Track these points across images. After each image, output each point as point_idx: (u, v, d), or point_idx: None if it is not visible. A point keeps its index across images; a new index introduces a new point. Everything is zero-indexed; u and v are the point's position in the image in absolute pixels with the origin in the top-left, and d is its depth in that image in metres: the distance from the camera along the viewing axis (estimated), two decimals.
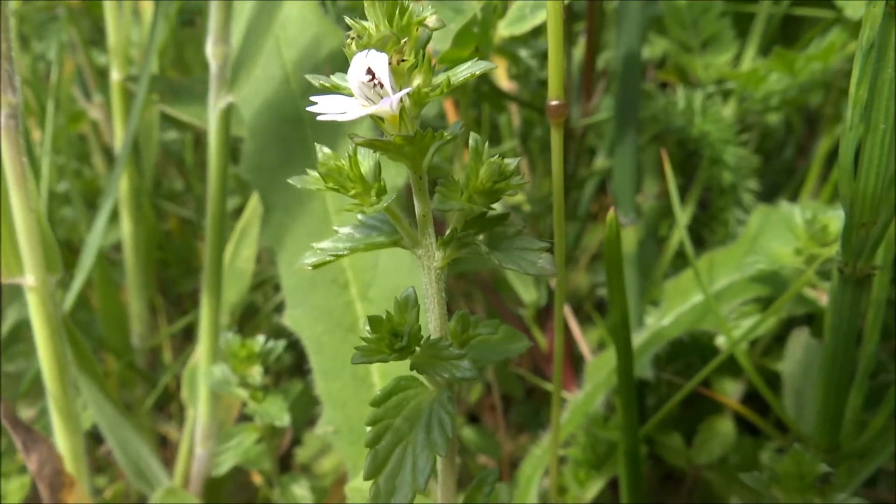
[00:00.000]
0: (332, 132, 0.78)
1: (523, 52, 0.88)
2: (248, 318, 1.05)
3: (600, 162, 1.01)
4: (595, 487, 0.74)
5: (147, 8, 1.05)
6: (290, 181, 0.42)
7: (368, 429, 0.44)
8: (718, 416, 0.82)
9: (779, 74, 0.82)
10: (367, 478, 0.43)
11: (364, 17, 0.40)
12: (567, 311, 0.97)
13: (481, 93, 0.87)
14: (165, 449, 1.07)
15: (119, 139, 0.90)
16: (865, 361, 0.58)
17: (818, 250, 0.64)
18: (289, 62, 0.80)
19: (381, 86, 0.38)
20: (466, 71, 0.40)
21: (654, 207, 0.98)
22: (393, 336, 0.41)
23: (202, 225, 1.08)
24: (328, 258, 0.43)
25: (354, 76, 0.39)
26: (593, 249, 1.07)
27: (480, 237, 0.43)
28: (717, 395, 0.81)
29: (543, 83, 0.95)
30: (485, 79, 0.87)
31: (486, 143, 0.42)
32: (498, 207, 0.44)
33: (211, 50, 0.70)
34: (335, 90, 0.41)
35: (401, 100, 0.39)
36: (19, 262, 0.64)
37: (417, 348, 0.43)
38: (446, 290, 0.45)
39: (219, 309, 0.79)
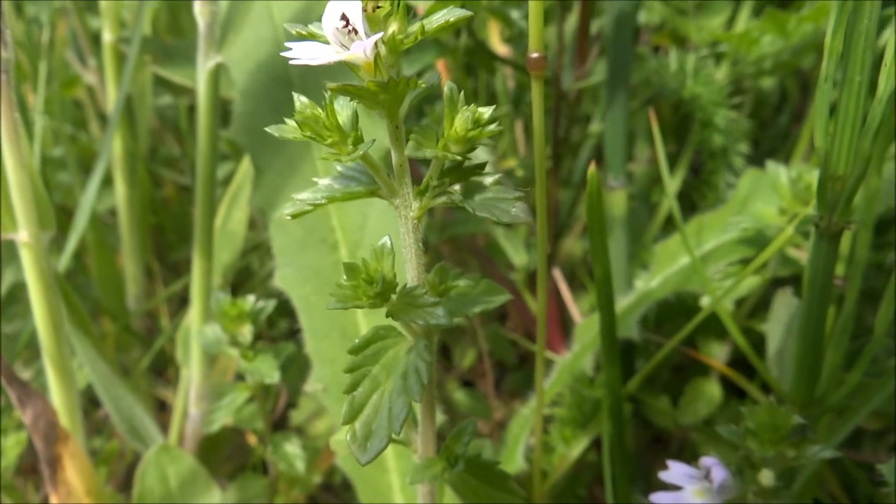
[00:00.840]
0: (322, 94, 0.78)
1: (515, 14, 0.88)
2: (243, 283, 1.06)
3: (594, 127, 1.01)
4: (580, 445, 0.75)
5: None
6: (267, 130, 0.42)
7: (347, 376, 0.45)
8: (705, 378, 0.83)
9: (772, 37, 0.82)
10: (344, 422, 0.44)
11: None
12: (559, 275, 0.98)
13: (474, 54, 0.87)
14: (164, 413, 1.09)
15: (112, 100, 0.90)
16: (844, 319, 0.59)
17: (802, 209, 0.64)
18: (280, 24, 0.80)
19: (356, 32, 0.39)
20: (442, 18, 0.40)
21: (645, 172, 0.98)
22: (368, 283, 0.42)
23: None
24: (306, 207, 0.44)
25: (329, 22, 0.39)
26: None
27: (457, 187, 0.44)
28: (703, 357, 0.82)
29: None
30: (480, 44, 0.87)
31: (462, 93, 0.43)
32: (490, 170, 0.45)
33: (199, 7, 0.70)
34: (311, 38, 0.41)
35: (375, 46, 0.39)
36: (12, 218, 0.64)
37: (393, 296, 0.44)
38: (440, 257, 0.45)
39: (210, 270, 0.80)
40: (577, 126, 1.05)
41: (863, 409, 0.61)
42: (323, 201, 0.44)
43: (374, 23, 0.40)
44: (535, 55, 0.49)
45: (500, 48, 1.06)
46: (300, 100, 0.43)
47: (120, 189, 0.96)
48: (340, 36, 0.39)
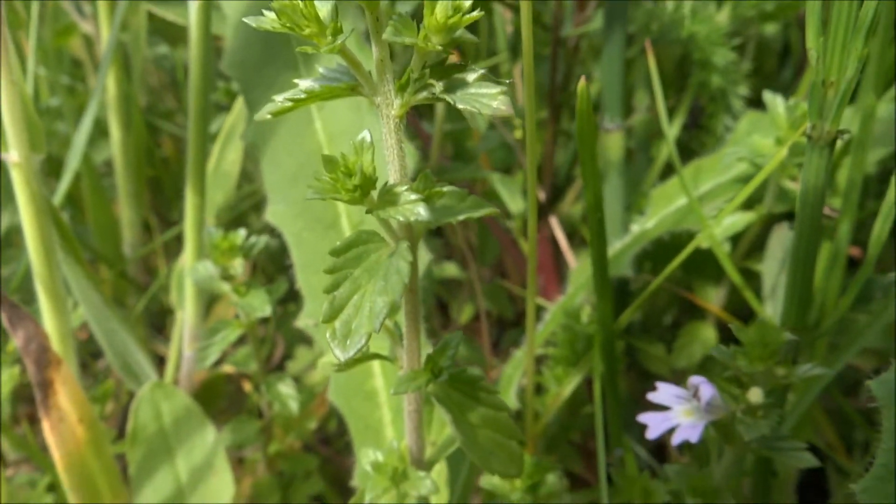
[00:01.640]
0: None
1: None
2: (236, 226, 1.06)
3: (594, 80, 1.00)
4: (572, 384, 0.75)
5: None
6: (246, 20, 0.41)
7: (328, 277, 0.44)
8: (700, 321, 0.83)
9: None
10: (324, 321, 0.44)
11: None
12: (555, 223, 0.97)
13: None
14: (162, 367, 1.09)
15: (105, 40, 0.90)
16: (838, 244, 0.58)
17: (799, 138, 0.63)
18: None
19: None
20: None
21: (644, 121, 0.97)
22: (347, 175, 0.42)
23: None
24: (286, 104, 0.43)
25: None
26: None
27: (440, 84, 0.43)
28: (698, 300, 0.81)
29: None
30: None
31: None
32: (483, 123, 0.44)
33: None
34: None
35: None
36: (3, 138, 0.64)
37: (374, 192, 0.43)
38: None
39: (203, 207, 0.80)
40: (575, 79, 1.04)
41: (862, 338, 0.59)
42: (303, 96, 0.43)
43: None
44: None
45: None
46: None
47: (115, 133, 0.96)
48: None
